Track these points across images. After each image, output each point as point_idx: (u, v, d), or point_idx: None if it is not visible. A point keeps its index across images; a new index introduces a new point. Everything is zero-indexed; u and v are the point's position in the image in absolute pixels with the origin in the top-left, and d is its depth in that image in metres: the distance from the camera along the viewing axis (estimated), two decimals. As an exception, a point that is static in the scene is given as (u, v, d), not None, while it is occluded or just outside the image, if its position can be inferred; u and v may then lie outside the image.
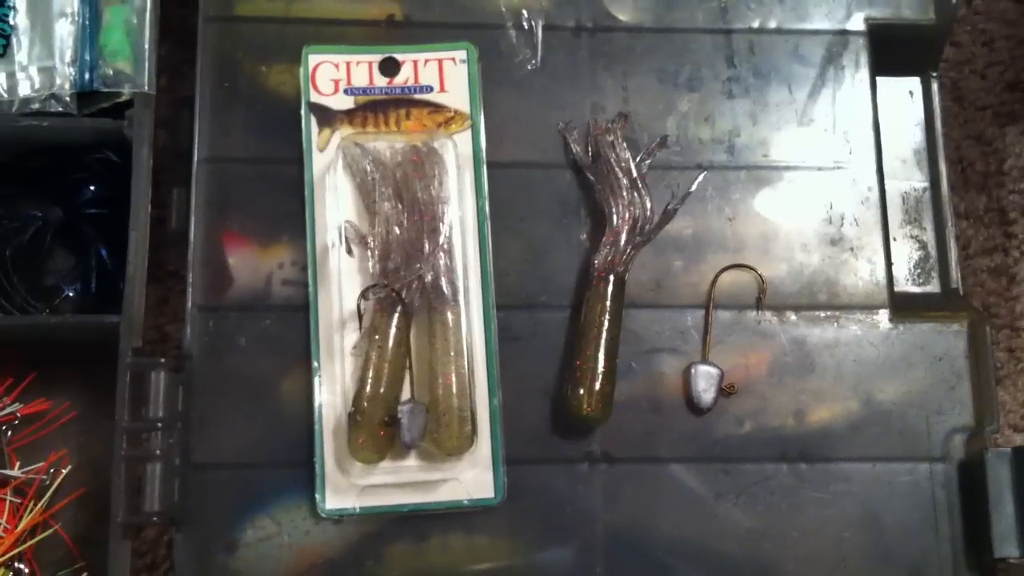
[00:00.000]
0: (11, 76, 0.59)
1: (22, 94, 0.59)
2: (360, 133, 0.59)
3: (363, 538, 0.55)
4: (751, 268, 0.59)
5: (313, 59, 0.59)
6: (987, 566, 0.56)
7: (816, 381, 0.58)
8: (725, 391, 0.57)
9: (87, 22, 0.60)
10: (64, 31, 0.60)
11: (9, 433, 0.62)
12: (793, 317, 0.59)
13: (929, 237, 0.64)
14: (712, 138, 0.61)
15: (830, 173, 0.61)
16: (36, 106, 0.59)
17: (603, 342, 0.56)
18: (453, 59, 0.60)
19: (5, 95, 0.59)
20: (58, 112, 0.59)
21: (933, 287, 0.63)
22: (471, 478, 0.55)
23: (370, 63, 0.60)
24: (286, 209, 0.58)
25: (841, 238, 0.60)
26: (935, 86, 0.65)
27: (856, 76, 0.62)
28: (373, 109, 0.59)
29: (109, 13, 0.60)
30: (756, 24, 0.62)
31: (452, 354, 0.55)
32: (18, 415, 0.62)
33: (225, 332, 0.56)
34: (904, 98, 0.65)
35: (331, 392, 0.55)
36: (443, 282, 0.56)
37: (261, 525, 0.55)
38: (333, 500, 0.55)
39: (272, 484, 0.55)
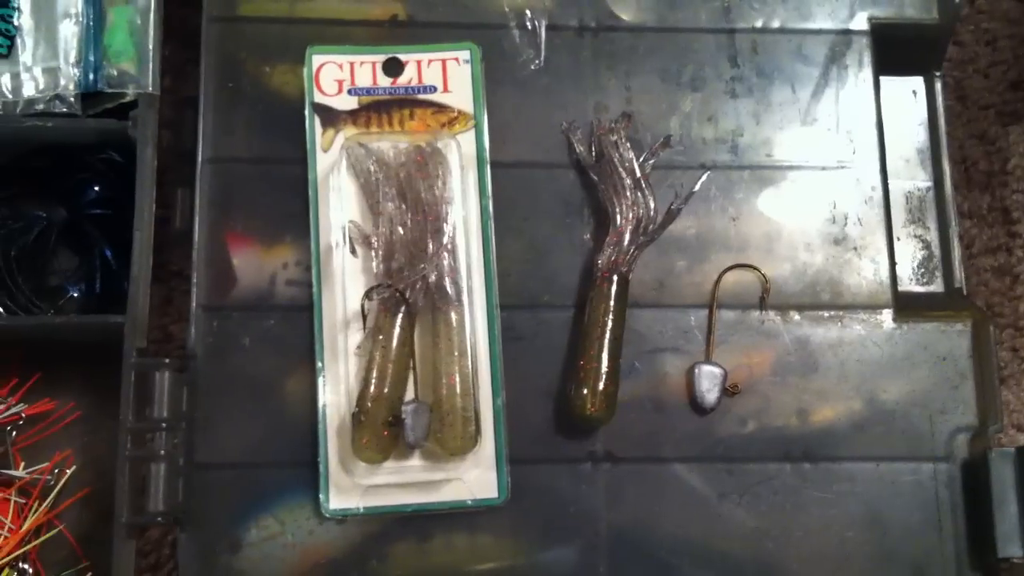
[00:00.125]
0: (15, 77, 0.59)
1: (26, 95, 0.59)
2: (364, 133, 0.59)
3: (367, 538, 0.55)
4: (754, 268, 0.59)
5: (317, 59, 0.59)
6: (990, 566, 0.56)
7: (820, 381, 0.58)
8: (728, 391, 0.57)
9: (91, 23, 0.60)
10: (68, 32, 0.60)
11: (14, 433, 0.62)
12: (797, 317, 0.59)
13: (933, 237, 0.64)
14: (715, 138, 0.61)
15: (834, 173, 0.61)
16: (40, 107, 0.59)
17: (606, 342, 0.56)
18: (457, 59, 0.60)
19: (10, 96, 0.59)
20: (62, 113, 0.59)
21: (937, 287, 0.63)
22: (475, 478, 0.55)
23: (374, 63, 0.60)
24: (290, 209, 0.58)
25: (845, 238, 0.60)
26: (938, 85, 0.65)
27: (859, 75, 0.62)
28: (377, 109, 0.59)
29: (113, 14, 0.60)
30: (759, 24, 0.62)
31: (456, 354, 0.55)
32: (23, 415, 0.62)
33: (229, 332, 0.56)
34: (907, 97, 0.65)
35: (335, 392, 0.56)
36: (447, 282, 0.56)
37: (265, 525, 0.55)
38: (337, 500, 0.55)
39: (276, 484, 0.55)
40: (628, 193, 0.57)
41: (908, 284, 0.63)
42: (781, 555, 0.56)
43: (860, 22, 0.62)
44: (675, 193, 0.59)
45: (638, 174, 0.58)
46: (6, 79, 0.59)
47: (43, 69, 0.60)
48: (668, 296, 0.59)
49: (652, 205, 0.57)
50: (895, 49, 0.63)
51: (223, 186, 0.58)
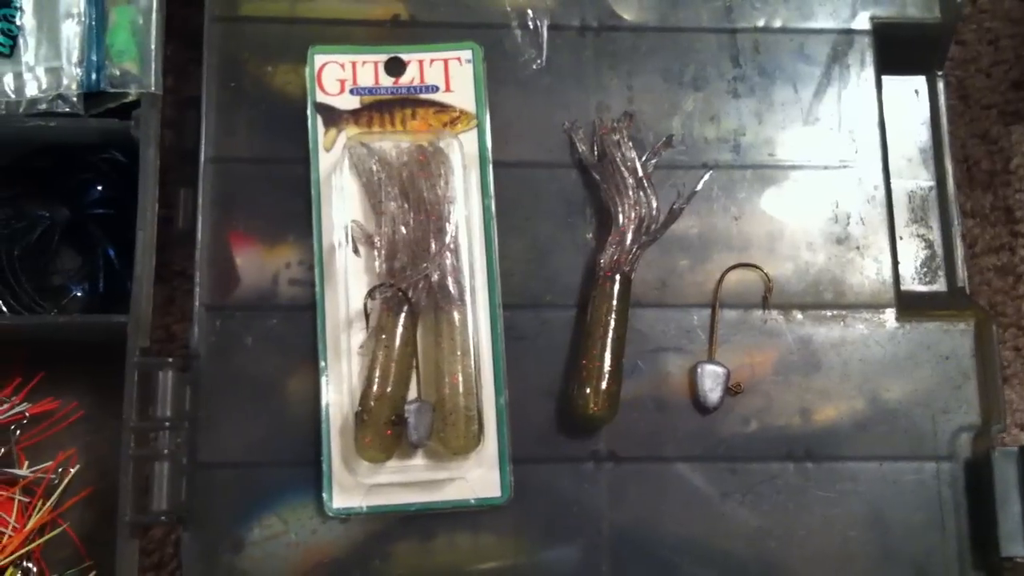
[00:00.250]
0: (18, 77, 0.60)
1: (29, 95, 0.59)
2: (366, 133, 0.59)
3: (370, 537, 0.55)
4: (757, 267, 0.59)
5: (319, 59, 0.59)
6: (993, 565, 0.56)
7: (822, 380, 0.58)
8: (731, 390, 0.57)
9: (93, 22, 0.60)
10: (71, 32, 0.60)
11: (17, 432, 0.62)
12: (799, 316, 0.59)
13: (935, 236, 0.64)
14: (717, 137, 0.61)
15: (836, 172, 0.61)
16: (43, 107, 0.59)
17: (609, 341, 0.56)
18: (459, 59, 0.60)
19: (12, 96, 0.59)
20: (65, 112, 0.59)
21: (939, 286, 0.63)
22: (477, 477, 0.55)
23: (376, 63, 0.60)
24: (292, 209, 0.58)
25: (847, 237, 0.60)
26: (940, 85, 0.65)
27: (861, 75, 0.62)
28: (379, 109, 0.59)
29: (115, 13, 0.60)
30: (761, 23, 0.62)
31: (458, 353, 0.55)
32: (26, 414, 0.62)
33: (232, 332, 0.57)
34: (910, 97, 0.65)
35: (338, 391, 0.56)
36: (449, 281, 0.56)
37: (268, 524, 0.55)
38: (340, 499, 0.55)
39: (279, 483, 0.55)
40: (630, 193, 0.57)
41: (911, 283, 0.63)
42: (784, 554, 0.56)
43: (862, 21, 0.62)
44: (677, 192, 0.59)
45: (640, 173, 0.58)
46: (9, 79, 0.59)
47: (46, 69, 0.60)
48: (670, 295, 0.59)
49: (654, 204, 0.57)
50: (897, 48, 0.63)
51: (226, 186, 0.58)
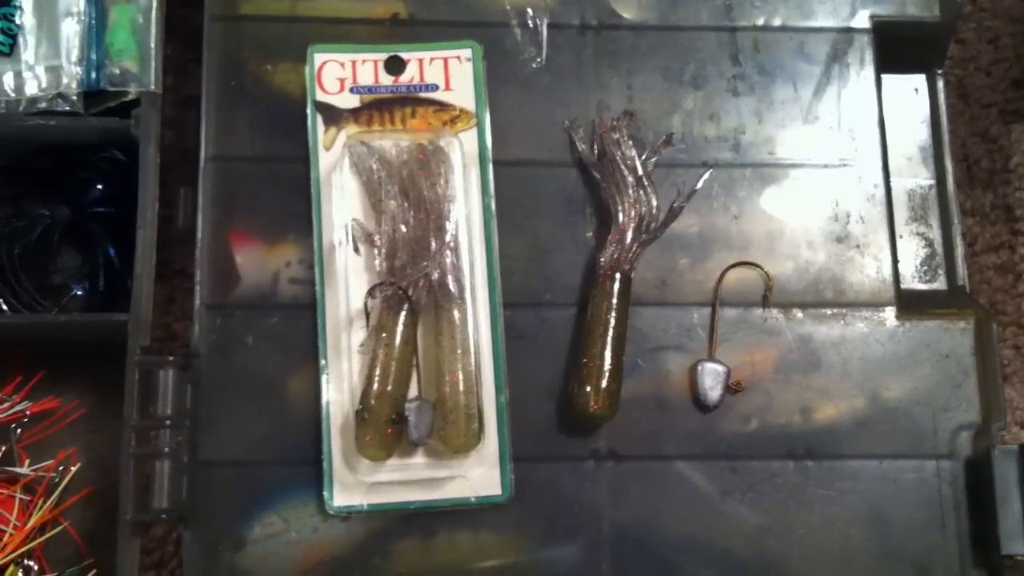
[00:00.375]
0: (18, 76, 0.60)
1: (29, 93, 0.59)
2: (366, 132, 0.59)
3: (370, 535, 0.55)
4: (757, 266, 0.59)
5: (319, 58, 0.59)
6: (994, 563, 0.56)
7: (822, 378, 0.58)
8: (731, 389, 0.57)
9: (93, 21, 0.60)
10: (70, 30, 0.60)
11: (18, 431, 0.62)
12: (799, 315, 0.59)
13: (935, 234, 0.64)
14: (717, 136, 0.61)
15: (836, 171, 0.61)
16: (43, 105, 0.59)
17: (609, 340, 0.56)
18: (458, 57, 0.60)
19: (12, 94, 0.59)
20: (65, 111, 0.59)
21: (939, 284, 0.63)
22: (478, 475, 0.55)
23: (375, 62, 0.60)
24: (292, 208, 0.58)
25: (847, 235, 0.60)
26: (940, 83, 0.65)
27: (861, 73, 0.62)
28: (379, 108, 0.59)
29: (115, 12, 0.60)
30: (761, 22, 0.62)
31: (459, 352, 0.55)
32: (27, 413, 0.62)
33: (232, 330, 0.57)
34: (909, 95, 0.65)
35: (338, 390, 0.56)
36: (449, 280, 0.56)
37: (269, 522, 0.55)
38: (341, 497, 0.55)
39: (280, 481, 0.55)
40: (630, 191, 0.57)
41: (911, 282, 0.63)
42: (784, 553, 0.56)
43: (862, 20, 0.62)
44: (677, 191, 0.59)
45: (640, 172, 0.58)
46: (8, 78, 0.59)
47: (45, 68, 0.60)
48: (671, 294, 0.59)
49: (654, 203, 0.57)
50: (897, 47, 0.63)
51: (226, 184, 0.58)
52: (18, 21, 0.60)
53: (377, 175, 0.57)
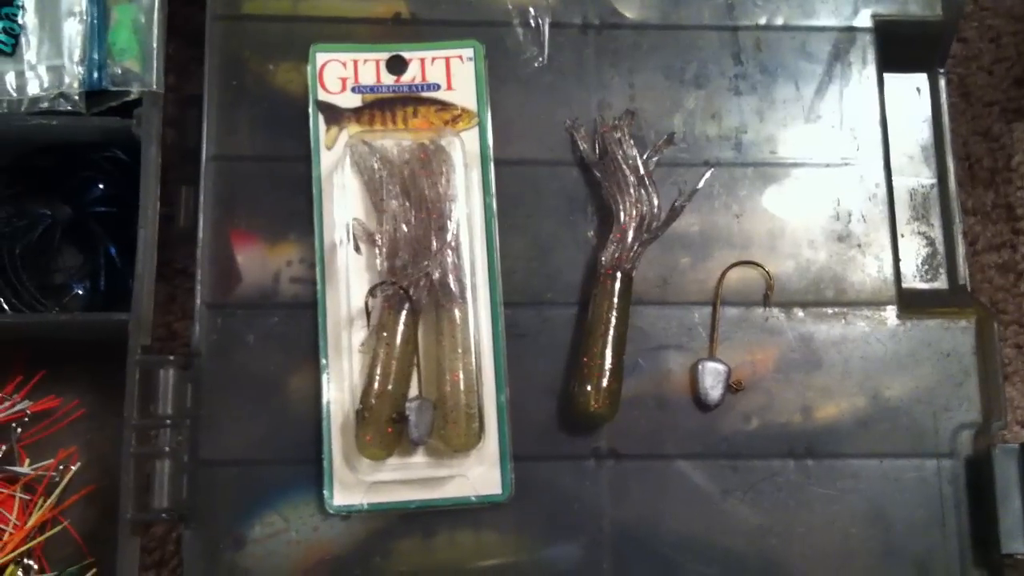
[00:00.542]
0: (20, 75, 0.60)
1: (31, 93, 0.59)
2: (367, 131, 0.59)
3: (371, 534, 0.55)
4: (758, 265, 0.59)
5: (320, 57, 0.59)
6: (994, 562, 0.56)
7: (823, 377, 0.58)
8: (732, 388, 0.57)
9: (95, 21, 0.60)
10: (72, 30, 0.60)
11: (19, 430, 0.62)
12: (800, 314, 0.59)
13: (937, 233, 0.64)
14: (719, 135, 0.61)
15: (837, 170, 0.61)
16: (45, 105, 0.59)
17: (610, 339, 0.56)
18: (460, 57, 0.60)
19: (14, 94, 0.59)
20: (67, 111, 0.59)
21: (941, 283, 0.63)
22: (478, 475, 0.55)
23: (377, 61, 0.60)
24: (294, 207, 0.58)
25: (848, 234, 0.60)
26: (942, 82, 0.65)
27: (863, 73, 0.62)
28: (380, 107, 0.59)
29: (117, 12, 0.61)
30: (763, 21, 0.62)
31: (459, 351, 0.55)
32: (28, 412, 0.62)
33: (233, 329, 0.57)
34: (911, 94, 0.65)
35: (339, 389, 0.56)
36: (450, 279, 0.56)
37: (269, 521, 0.55)
38: (341, 496, 0.55)
39: (280, 481, 0.55)
40: (632, 190, 0.57)
41: (912, 281, 0.63)
42: (785, 551, 0.56)
43: (864, 19, 0.62)
44: (679, 190, 0.59)
45: (642, 171, 0.58)
46: (11, 77, 0.59)
47: (47, 67, 0.60)
48: (672, 293, 0.59)
49: (656, 202, 0.57)
50: (899, 46, 0.62)
51: (227, 184, 0.58)
52: (20, 21, 0.60)
53: (378, 174, 0.57)
